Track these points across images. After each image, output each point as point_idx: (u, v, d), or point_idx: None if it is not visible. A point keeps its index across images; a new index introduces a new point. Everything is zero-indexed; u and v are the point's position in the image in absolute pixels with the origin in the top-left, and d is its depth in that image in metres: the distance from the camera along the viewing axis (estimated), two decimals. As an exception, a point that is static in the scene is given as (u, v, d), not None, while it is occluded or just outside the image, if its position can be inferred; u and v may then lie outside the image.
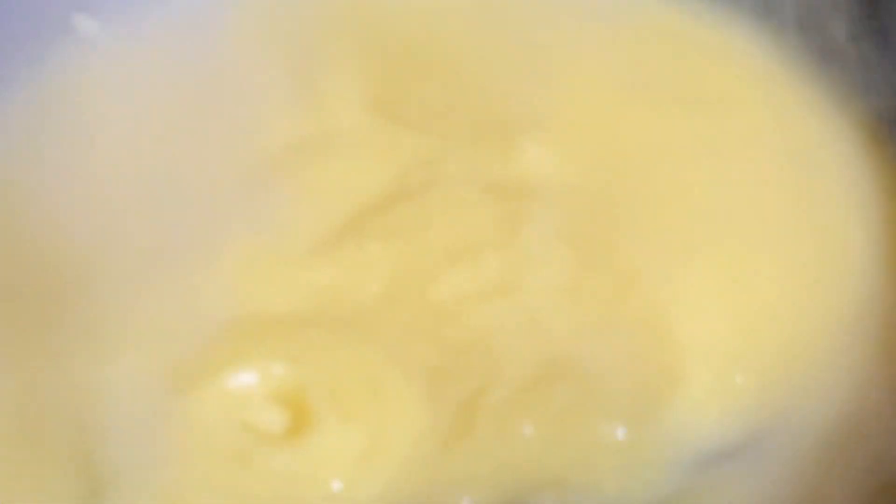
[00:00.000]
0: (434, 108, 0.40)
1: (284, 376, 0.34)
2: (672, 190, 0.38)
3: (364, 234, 0.36)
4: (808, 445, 0.34)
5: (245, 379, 0.34)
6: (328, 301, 0.36)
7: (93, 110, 0.40)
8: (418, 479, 0.33)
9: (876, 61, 0.40)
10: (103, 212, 0.37)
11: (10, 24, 0.41)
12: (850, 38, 0.41)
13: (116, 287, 0.36)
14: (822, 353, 0.36)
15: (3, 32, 0.40)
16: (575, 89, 0.40)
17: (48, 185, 0.38)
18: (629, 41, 0.41)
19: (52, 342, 0.35)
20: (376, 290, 0.36)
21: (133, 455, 0.33)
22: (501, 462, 0.33)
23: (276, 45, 0.40)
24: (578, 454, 0.33)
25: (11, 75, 0.41)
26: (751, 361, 0.35)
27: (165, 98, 0.40)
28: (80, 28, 0.42)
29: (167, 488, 0.32)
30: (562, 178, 0.38)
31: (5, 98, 0.41)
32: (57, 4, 0.41)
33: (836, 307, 0.36)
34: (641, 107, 0.40)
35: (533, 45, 0.41)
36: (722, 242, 0.38)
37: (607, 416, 0.34)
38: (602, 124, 0.39)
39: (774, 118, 0.40)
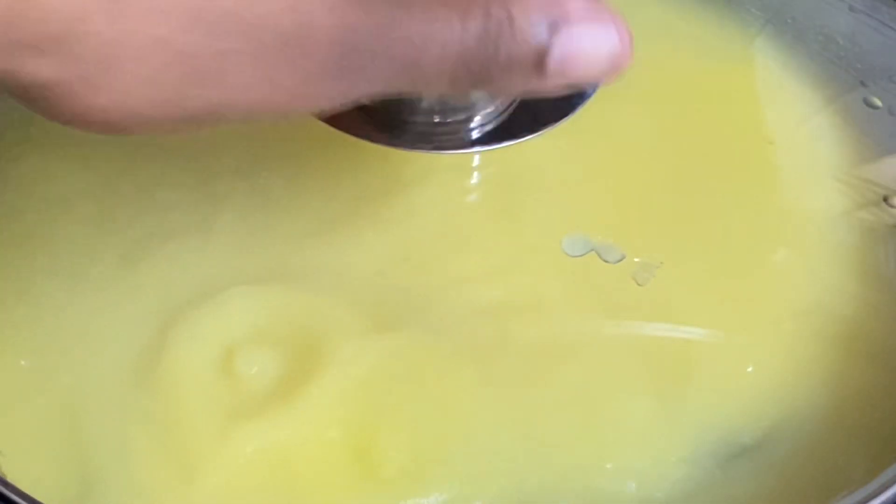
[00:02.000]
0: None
1: (277, 356, 0.36)
2: (672, 183, 0.41)
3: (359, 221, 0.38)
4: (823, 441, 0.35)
5: (233, 355, 0.35)
6: (322, 281, 0.37)
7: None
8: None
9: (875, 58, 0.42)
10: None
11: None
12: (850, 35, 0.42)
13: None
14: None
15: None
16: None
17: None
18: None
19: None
20: (371, 274, 0.38)
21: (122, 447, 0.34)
22: (512, 458, 0.34)
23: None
24: (595, 449, 0.34)
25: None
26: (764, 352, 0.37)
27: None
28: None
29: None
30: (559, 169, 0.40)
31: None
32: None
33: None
34: (638, 102, 0.42)
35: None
36: (723, 233, 0.39)
37: (622, 409, 0.35)
38: (600, 120, 0.40)
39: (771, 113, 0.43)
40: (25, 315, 0.37)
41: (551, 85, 0.29)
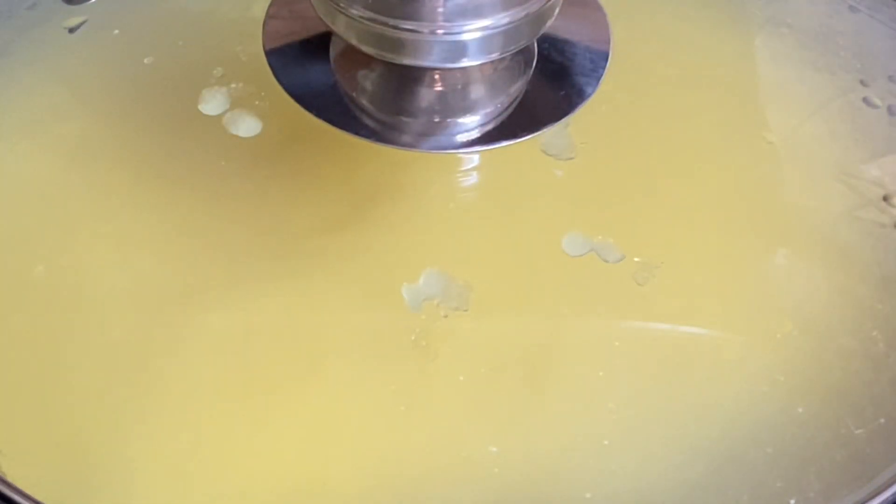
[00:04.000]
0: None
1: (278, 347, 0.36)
2: (672, 183, 0.41)
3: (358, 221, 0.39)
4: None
5: (232, 356, 0.36)
6: (322, 281, 0.38)
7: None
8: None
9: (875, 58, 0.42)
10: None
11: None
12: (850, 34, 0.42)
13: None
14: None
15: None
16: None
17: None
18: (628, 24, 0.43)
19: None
20: (371, 273, 0.38)
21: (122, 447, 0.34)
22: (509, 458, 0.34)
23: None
24: (594, 449, 0.34)
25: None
26: (764, 352, 0.37)
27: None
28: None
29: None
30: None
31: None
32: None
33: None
34: (638, 102, 0.42)
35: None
36: (723, 233, 0.39)
37: (622, 409, 0.35)
38: (600, 120, 0.41)
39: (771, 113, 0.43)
40: (25, 315, 0.37)
41: None
